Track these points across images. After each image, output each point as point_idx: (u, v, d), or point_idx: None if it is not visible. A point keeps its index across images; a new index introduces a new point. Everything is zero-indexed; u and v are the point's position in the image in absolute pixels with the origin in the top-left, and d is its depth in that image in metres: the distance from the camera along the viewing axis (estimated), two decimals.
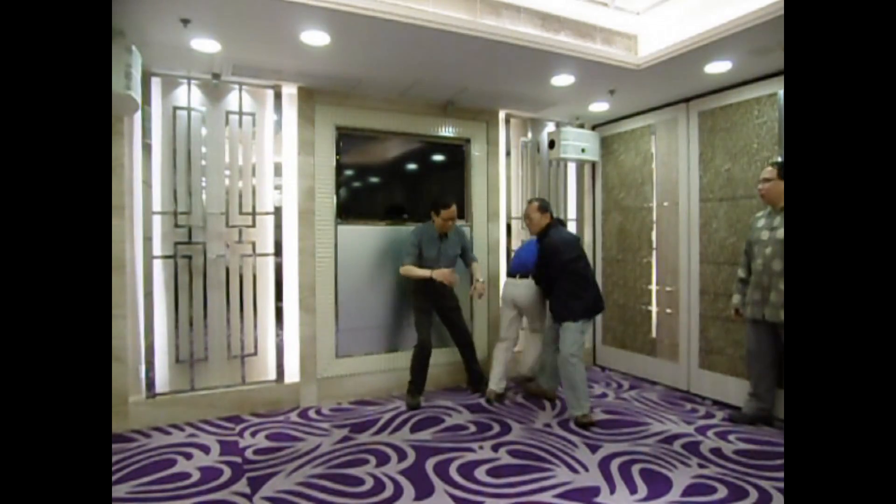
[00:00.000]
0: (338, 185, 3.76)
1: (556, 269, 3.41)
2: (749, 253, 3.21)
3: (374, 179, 4.08)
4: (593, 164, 4.76)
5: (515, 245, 4.49)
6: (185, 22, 2.54)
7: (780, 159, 3.25)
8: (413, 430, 3.17)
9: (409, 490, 2.40)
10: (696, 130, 3.86)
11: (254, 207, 3.54)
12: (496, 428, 3.20)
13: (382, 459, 2.73)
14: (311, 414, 3.46)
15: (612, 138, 4.65)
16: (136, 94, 2.70)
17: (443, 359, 4.11)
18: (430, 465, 2.67)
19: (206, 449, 2.87)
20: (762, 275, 3.05)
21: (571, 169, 4.80)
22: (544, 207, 3.57)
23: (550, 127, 4.59)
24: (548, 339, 3.72)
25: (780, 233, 2.98)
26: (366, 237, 3.87)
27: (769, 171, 3.05)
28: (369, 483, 2.47)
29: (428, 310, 3.72)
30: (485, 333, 4.29)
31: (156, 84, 3.30)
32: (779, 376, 3.18)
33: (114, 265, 2.96)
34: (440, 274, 3.52)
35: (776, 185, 3.01)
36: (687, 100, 3.92)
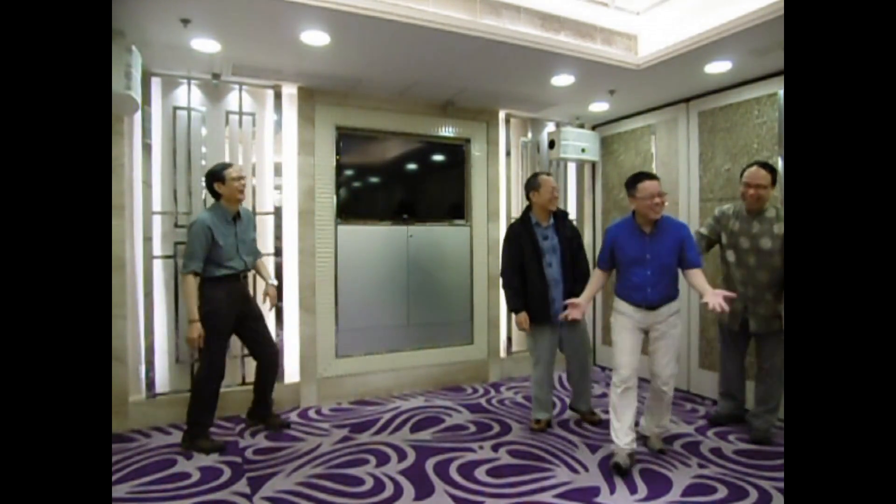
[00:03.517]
0: (338, 185, 3.76)
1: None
2: (723, 255, 3.08)
3: (374, 179, 4.08)
4: (593, 164, 4.76)
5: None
6: (185, 22, 2.54)
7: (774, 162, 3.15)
8: (413, 430, 3.17)
9: (409, 490, 2.40)
10: (696, 130, 3.86)
11: (254, 207, 3.54)
12: (496, 428, 3.20)
13: (382, 459, 2.73)
14: (311, 414, 3.46)
15: (612, 138, 4.64)
16: (136, 94, 2.70)
17: (440, 358, 4.11)
18: (430, 465, 2.67)
19: None
20: (746, 283, 2.94)
21: (571, 169, 4.80)
22: None
23: (550, 127, 4.59)
24: (570, 352, 3.27)
25: (765, 242, 2.84)
26: (366, 237, 3.87)
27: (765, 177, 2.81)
28: (369, 483, 2.47)
29: (226, 330, 2.88)
30: (485, 334, 4.29)
31: (156, 84, 3.30)
32: (744, 368, 3.23)
33: (114, 265, 2.96)
34: (193, 332, 2.73)
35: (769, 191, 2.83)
36: (687, 100, 3.92)
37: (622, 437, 2.61)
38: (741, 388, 3.24)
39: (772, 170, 2.85)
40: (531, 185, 3.13)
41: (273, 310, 3.24)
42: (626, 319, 2.71)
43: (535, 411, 3.22)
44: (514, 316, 3.16)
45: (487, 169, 4.29)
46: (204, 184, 2.86)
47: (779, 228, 2.80)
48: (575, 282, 3.09)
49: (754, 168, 2.86)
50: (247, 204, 3.51)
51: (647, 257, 2.64)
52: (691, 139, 3.91)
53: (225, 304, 2.82)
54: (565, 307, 2.71)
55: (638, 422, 2.84)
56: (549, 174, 3.22)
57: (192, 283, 2.76)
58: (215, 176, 2.85)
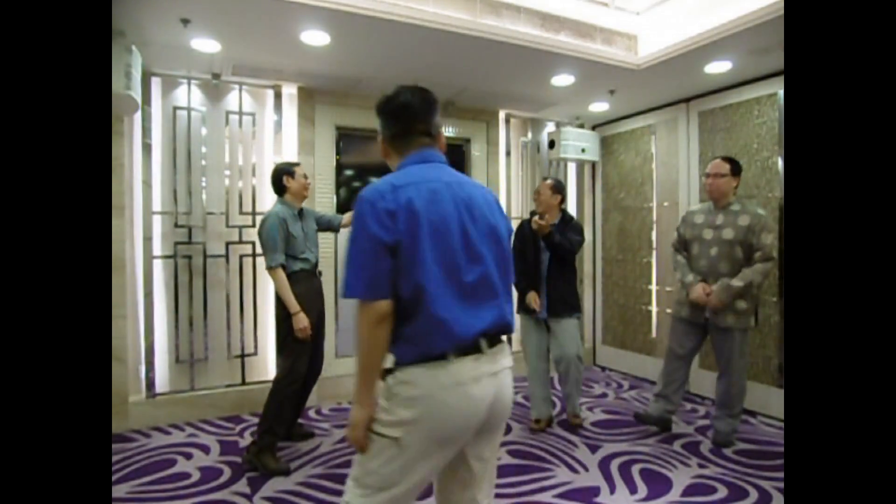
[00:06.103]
0: (338, 185, 3.76)
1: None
2: (688, 250, 3.02)
3: (374, 179, 4.07)
4: (593, 164, 4.76)
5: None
6: (185, 22, 2.54)
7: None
8: None
9: None
10: (696, 130, 3.86)
11: (254, 207, 3.54)
12: None
13: None
14: (311, 414, 3.46)
15: (612, 138, 4.65)
16: (136, 94, 2.70)
17: None
18: None
19: (206, 449, 2.87)
20: (707, 275, 2.88)
21: (571, 169, 4.80)
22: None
23: (550, 127, 4.59)
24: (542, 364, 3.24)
25: (727, 232, 2.82)
26: None
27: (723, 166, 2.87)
28: None
29: (312, 327, 2.67)
30: None
31: (156, 84, 3.30)
32: (687, 376, 3.09)
33: (114, 265, 2.96)
34: (301, 324, 2.60)
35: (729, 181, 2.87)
36: (687, 100, 3.92)
37: None
38: (677, 390, 3.06)
39: (732, 161, 2.92)
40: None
41: None
42: None
43: (532, 409, 3.24)
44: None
45: (487, 169, 4.29)
46: (271, 179, 2.83)
47: (742, 220, 2.79)
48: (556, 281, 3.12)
49: (716, 160, 2.94)
50: (246, 204, 3.53)
51: None
52: (691, 139, 3.91)
53: (305, 301, 2.66)
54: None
55: None
56: (545, 179, 3.29)
57: (283, 276, 2.63)
58: (285, 170, 2.79)
